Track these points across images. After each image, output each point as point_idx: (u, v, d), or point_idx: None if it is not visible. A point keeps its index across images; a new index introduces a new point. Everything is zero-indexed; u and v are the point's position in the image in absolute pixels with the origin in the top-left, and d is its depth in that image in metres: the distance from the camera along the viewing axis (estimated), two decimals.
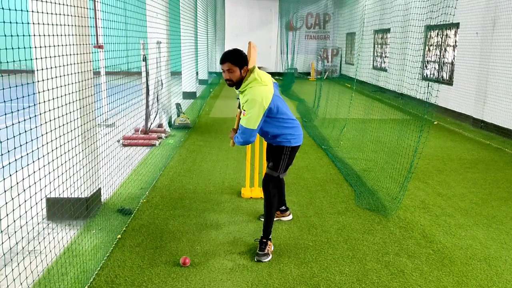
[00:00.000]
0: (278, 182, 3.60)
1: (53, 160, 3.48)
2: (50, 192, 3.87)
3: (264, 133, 3.51)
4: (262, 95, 3.25)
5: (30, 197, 2.96)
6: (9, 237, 3.01)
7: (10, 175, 2.81)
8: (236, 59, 3.29)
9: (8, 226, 2.72)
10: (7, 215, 2.68)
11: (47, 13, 3.46)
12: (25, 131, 2.83)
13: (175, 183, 5.22)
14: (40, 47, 3.46)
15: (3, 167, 2.59)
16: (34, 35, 3.43)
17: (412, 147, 5.47)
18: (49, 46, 3.48)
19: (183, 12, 10.93)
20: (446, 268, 3.35)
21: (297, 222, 4.14)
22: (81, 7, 3.81)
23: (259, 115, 3.25)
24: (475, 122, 9.33)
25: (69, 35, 3.65)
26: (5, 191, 2.69)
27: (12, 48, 2.74)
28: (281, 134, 3.44)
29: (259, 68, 3.45)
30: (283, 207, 4.15)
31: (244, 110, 3.27)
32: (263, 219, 3.71)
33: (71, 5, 3.64)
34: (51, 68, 3.47)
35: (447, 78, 11.03)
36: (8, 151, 2.61)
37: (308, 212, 4.39)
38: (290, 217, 4.21)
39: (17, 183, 2.78)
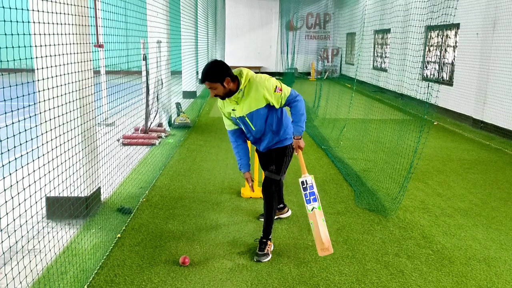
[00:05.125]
0: (278, 185, 3.57)
1: (53, 159, 3.48)
2: (50, 191, 3.87)
3: (266, 128, 3.33)
4: (265, 76, 3.24)
5: (30, 196, 2.96)
6: (8, 236, 3.01)
7: (10, 174, 2.80)
8: (212, 76, 3.04)
9: (7, 225, 2.72)
10: (6, 214, 2.68)
11: (48, 12, 3.45)
12: (25, 130, 2.83)
13: (174, 182, 5.22)
14: (41, 46, 3.46)
15: (3, 165, 2.59)
16: (35, 34, 3.43)
17: (412, 148, 5.47)
18: (50, 45, 3.48)
19: (183, 11, 10.93)
20: (445, 269, 3.35)
21: (296, 222, 4.14)
22: (81, 6, 3.81)
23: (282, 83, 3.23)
24: (475, 123, 9.33)
25: (69, 34, 3.65)
26: (4, 190, 2.69)
27: (13, 47, 2.74)
28: (285, 125, 3.36)
29: (260, 67, 3.41)
30: (281, 205, 4.14)
31: (276, 87, 3.16)
32: (262, 219, 3.71)
33: (71, 4, 3.64)
34: (51, 67, 3.47)
35: (447, 78, 11.03)
36: (8, 150, 2.61)
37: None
38: (289, 213, 4.20)
39: (17, 182, 2.78)
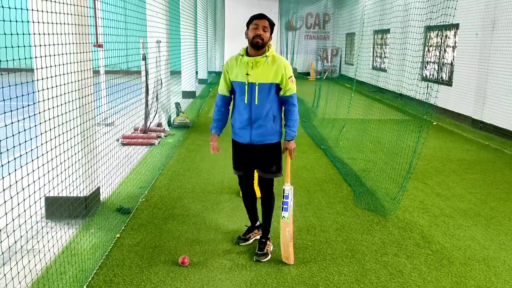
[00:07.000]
0: (272, 183, 3.52)
1: (52, 159, 3.48)
2: (49, 191, 3.87)
3: (268, 110, 3.24)
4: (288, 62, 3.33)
5: (29, 195, 2.96)
6: (7, 236, 3.01)
7: (9, 174, 2.80)
8: (272, 22, 3.24)
9: (7, 224, 2.72)
10: (6, 213, 2.68)
11: (47, 11, 3.45)
12: (24, 130, 2.83)
13: (174, 182, 5.22)
14: (40, 45, 3.46)
15: (2, 165, 2.59)
16: (34, 34, 3.43)
17: (411, 148, 5.48)
18: (49, 45, 3.48)
19: (183, 11, 10.94)
20: (444, 269, 3.35)
21: (295, 222, 4.14)
22: (81, 6, 3.81)
23: None
24: (474, 123, 9.33)
25: (69, 34, 3.65)
26: (4, 190, 2.68)
27: (12, 47, 2.74)
28: (280, 117, 3.35)
29: None
30: None
31: (291, 77, 3.25)
32: (262, 218, 3.71)
33: (71, 4, 3.64)
34: (51, 66, 3.47)
35: (447, 78, 11.03)
36: (8, 150, 2.61)
37: (307, 212, 4.40)
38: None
39: (16, 181, 2.78)
